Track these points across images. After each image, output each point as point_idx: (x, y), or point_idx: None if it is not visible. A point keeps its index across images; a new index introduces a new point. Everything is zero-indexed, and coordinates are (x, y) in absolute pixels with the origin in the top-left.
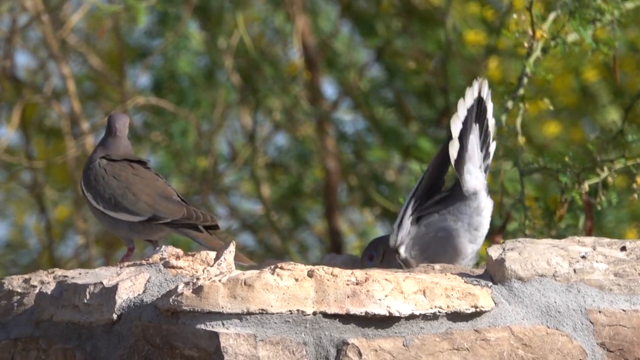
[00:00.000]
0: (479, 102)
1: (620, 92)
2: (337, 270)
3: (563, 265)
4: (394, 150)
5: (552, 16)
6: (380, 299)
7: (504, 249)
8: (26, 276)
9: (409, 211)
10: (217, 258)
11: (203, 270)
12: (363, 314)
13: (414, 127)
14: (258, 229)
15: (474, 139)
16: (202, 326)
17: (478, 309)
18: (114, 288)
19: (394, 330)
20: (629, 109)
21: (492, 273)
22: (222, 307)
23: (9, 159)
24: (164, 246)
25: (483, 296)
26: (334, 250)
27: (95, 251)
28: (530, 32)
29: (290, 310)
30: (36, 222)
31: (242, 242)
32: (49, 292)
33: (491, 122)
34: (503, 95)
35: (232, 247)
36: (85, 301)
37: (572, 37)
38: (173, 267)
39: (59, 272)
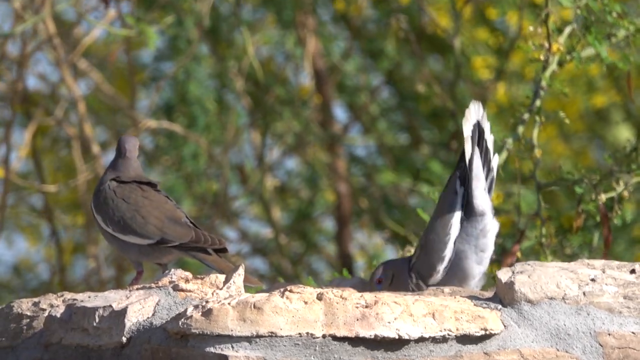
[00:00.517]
0: (478, 124)
1: (632, 110)
2: (346, 293)
3: (572, 288)
4: (404, 173)
5: (568, 29)
6: (389, 322)
7: (513, 272)
8: (35, 299)
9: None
10: (226, 281)
11: (212, 293)
12: (372, 336)
13: (425, 150)
14: (268, 253)
15: (478, 161)
16: (212, 349)
17: (487, 332)
18: (124, 311)
19: (404, 353)
20: None
21: (502, 296)
22: (232, 330)
23: (20, 182)
24: (172, 269)
25: (492, 319)
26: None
27: (106, 274)
28: (547, 45)
29: (299, 333)
30: (47, 246)
31: (252, 265)
32: (58, 315)
33: (490, 143)
34: (517, 111)
35: (241, 270)
36: (95, 324)
37: (586, 53)
38: (182, 290)
39: (68, 295)
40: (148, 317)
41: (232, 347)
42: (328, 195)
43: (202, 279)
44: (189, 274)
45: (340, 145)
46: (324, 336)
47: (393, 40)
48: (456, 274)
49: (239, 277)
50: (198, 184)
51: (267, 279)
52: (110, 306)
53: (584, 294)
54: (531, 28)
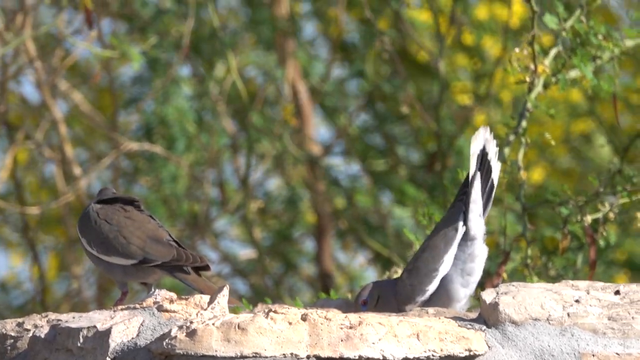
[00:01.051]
0: (483, 150)
1: (617, 132)
2: (330, 314)
3: (557, 309)
4: (383, 195)
5: (553, 52)
6: (374, 343)
7: (497, 293)
8: (20, 320)
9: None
10: (210, 302)
11: (197, 314)
12: (357, 357)
13: (403, 171)
14: (249, 273)
15: (478, 185)
16: None
17: (472, 353)
18: (108, 332)
19: None
20: (627, 148)
21: (486, 317)
22: (216, 351)
23: (2, 204)
24: (157, 290)
25: (477, 340)
26: (325, 294)
27: (88, 294)
28: (532, 67)
29: (284, 354)
30: (30, 266)
31: (233, 286)
32: (42, 335)
33: (495, 173)
34: (499, 134)
35: (225, 291)
36: (79, 345)
37: (572, 74)
38: (167, 310)
39: (52, 315)
40: (132, 338)
41: None
42: (308, 216)
43: (186, 299)
44: (173, 295)
45: (319, 167)
46: (308, 357)
47: (373, 62)
48: (441, 297)
49: (223, 297)
50: (178, 206)
51: (249, 299)
52: (95, 327)
53: (568, 315)
54: (517, 50)
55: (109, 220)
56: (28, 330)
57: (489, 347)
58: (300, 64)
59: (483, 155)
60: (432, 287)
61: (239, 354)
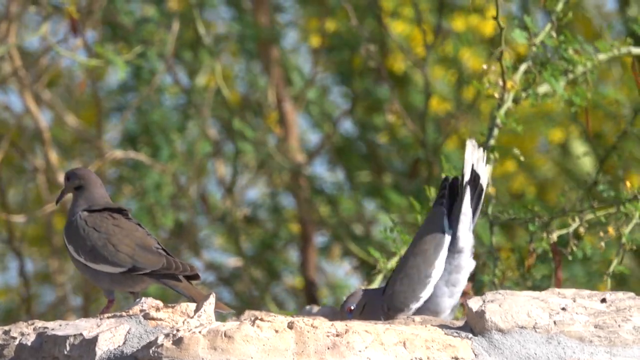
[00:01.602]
0: (472, 164)
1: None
2: (317, 322)
3: (543, 317)
4: (367, 203)
5: (523, 67)
6: (360, 351)
7: (484, 301)
8: (6, 327)
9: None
10: (197, 309)
11: (183, 322)
12: None
13: (388, 179)
14: (234, 282)
15: (468, 197)
16: None
17: None
18: (94, 339)
19: None
20: (604, 160)
21: (473, 325)
22: (203, 359)
23: None
24: (143, 298)
25: (463, 348)
26: (309, 302)
27: (73, 303)
28: (501, 83)
29: None
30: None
31: (218, 295)
32: (29, 343)
33: (483, 186)
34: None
35: (212, 299)
36: (66, 352)
37: (543, 89)
38: (153, 318)
39: (39, 323)
40: (119, 346)
41: None
42: (292, 225)
43: (172, 307)
44: (159, 303)
45: (303, 175)
46: None
47: (358, 70)
48: (428, 308)
49: (209, 305)
50: (163, 215)
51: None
52: (81, 334)
53: (554, 323)
54: (484, 66)
55: (98, 228)
56: (14, 338)
57: (475, 355)
58: (284, 71)
59: (472, 169)
60: (425, 294)
61: None
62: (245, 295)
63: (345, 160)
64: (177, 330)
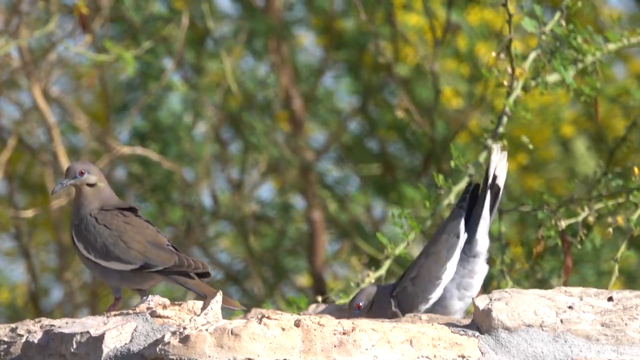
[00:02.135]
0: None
1: (600, 137)
2: (324, 320)
3: (550, 315)
4: (377, 197)
5: (532, 55)
6: (367, 349)
7: (491, 299)
8: (13, 325)
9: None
10: (204, 307)
11: (190, 320)
12: None
13: (400, 175)
14: (242, 280)
15: (488, 202)
16: None
17: (465, 359)
18: (101, 337)
19: None
20: (612, 152)
21: (479, 323)
22: (209, 357)
23: None
24: (150, 295)
25: (470, 346)
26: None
27: (80, 299)
28: (510, 71)
29: None
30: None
31: (226, 292)
32: (35, 341)
33: (500, 192)
34: (481, 136)
35: (218, 297)
36: (72, 350)
37: (552, 78)
38: (160, 316)
39: (45, 321)
40: (126, 343)
41: None
42: (301, 222)
43: (179, 305)
44: (166, 300)
45: (313, 172)
46: None
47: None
48: (437, 310)
49: (216, 303)
50: (172, 212)
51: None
52: (88, 332)
53: (561, 321)
54: (493, 53)
55: (109, 226)
56: (21, 335)
57: (482, 353)
58: (294, 68)
59: (494, 175)
60: (435, 295)
61: None
62: (253, 293)
63: (354, 158)
64: (184, 328)
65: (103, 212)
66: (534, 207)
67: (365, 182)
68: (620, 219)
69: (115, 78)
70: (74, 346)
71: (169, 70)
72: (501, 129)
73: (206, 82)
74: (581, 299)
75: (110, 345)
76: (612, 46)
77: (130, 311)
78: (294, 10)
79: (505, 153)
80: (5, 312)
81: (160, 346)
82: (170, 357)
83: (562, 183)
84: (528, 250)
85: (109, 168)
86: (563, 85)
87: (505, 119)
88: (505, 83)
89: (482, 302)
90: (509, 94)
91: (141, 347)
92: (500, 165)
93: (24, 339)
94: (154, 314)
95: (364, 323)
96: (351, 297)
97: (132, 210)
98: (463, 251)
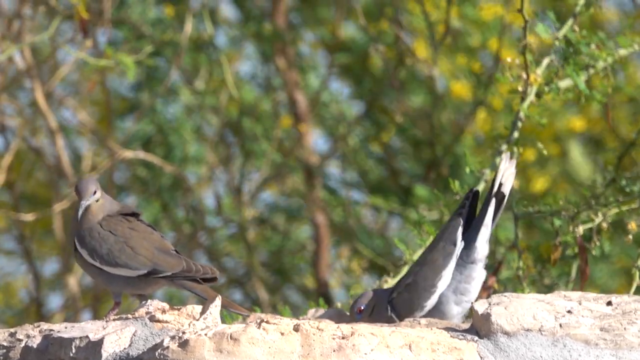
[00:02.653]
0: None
1: (598, 142)
2: (323, 324)
3: (549, 320)
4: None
5: (546, 61)
6: (366, 353)
7: (489, 304)
8: (12, 330)
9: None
10: (203, 312)
11: (189, 324)
12: None
13: (404, 180)
14: (245, 284)
15: (492, 210)
16: None
17: None
18: (100, 342)
19: None
20: (622, 156)
21: (478, 327)
22: None
23: None
24: (149, 300)
25: (469, 350)
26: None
27: (82, 304)
28: (525, 76)
29: None
30: (24, 275)
31: (230, 296)
32: (34, 345)
33: (507, 193)
34: (495, 142)
35: (218, 302)
36: (72, 355)
37: (565, 83)
38: (159, 321)
39: (44, 325)
40: (125, 348)
41: None
42: (305, 226)
43: (178, 309)
44: (165, 305)
45: (317, 176)
46: None
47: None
48: (434, 315)
49: (215, 308)
50: (175, 215)
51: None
52: (87, 337)
53: (560, 325)
54: (509, 59)
55: (114, 232)
56: (20, 340)
57: (481, 357)
58: (299, 72)
59: (499, 183)
60: (430, 303)
61: None
62: (256, 298)
63: (358, 163)
64: (183, 333)
65: (107, 218)
66: (552, 211)
67: (370, 188)
68: (634, 225)
69: (121, 81)
70: (73, 351)
71: (171, 75)
72: (516, 134)
73: (209, 87)
74: (580, 304)
75: (109, 350)
76: (623, 51)
77: (130, 316)
78: (298, 17)
79: (514, 161)
80: (5, 316)
81: (159, 351)
82: None
83: (562, 184)
84: (537, 256)
85: (111, 172)
86: (575, 90)
87: (519, 125)
88: (520, 89)
89: (481, 307)
90: (523, 99)
91: (140, 352)
92: (507, 172)
93: (23, 344)
94: (153, 319)
95: (363, 327)
96: (352, 300)
97: (135, 215)
98: (461, 257)
